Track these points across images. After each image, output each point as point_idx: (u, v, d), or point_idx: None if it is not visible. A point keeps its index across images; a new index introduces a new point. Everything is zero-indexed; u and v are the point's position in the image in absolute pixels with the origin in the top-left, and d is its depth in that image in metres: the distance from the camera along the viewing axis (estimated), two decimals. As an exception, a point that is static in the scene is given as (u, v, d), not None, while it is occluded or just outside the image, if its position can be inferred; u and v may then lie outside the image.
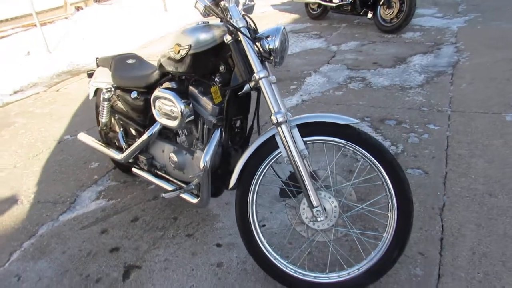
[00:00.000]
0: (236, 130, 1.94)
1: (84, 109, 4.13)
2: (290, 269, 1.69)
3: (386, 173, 1.57)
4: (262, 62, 1.69)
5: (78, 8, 8.89)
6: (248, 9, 1.86)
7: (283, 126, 1.58)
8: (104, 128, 2.57)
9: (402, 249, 1.57)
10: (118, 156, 2.39)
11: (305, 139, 1.62)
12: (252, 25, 1.73)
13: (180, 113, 1.85)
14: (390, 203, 1.57)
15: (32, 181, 2.87)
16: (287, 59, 5.01)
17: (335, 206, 1.62)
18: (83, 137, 2.74)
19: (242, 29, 1.62)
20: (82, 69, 5.71)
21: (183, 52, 1.77)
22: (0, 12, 6.62)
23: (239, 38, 1.64)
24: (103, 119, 2.51)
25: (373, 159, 1.58)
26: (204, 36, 1.72)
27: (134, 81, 2.24)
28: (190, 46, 1.74)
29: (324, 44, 5.51)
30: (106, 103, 2.45)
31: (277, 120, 1.57)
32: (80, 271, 1.96)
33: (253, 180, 1.70)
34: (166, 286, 1.81)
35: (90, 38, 6.95)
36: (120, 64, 2.40)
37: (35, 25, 6.36)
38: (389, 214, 1.59)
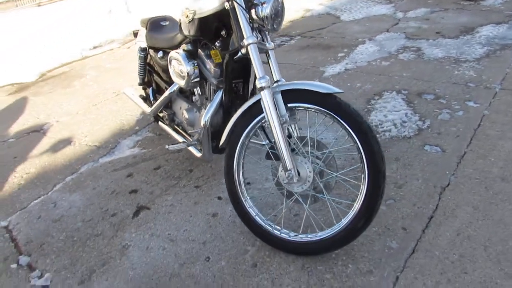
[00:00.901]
0: (237, 92, 2.06)
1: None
2: (268, 226, 1.82)
3: (360, 144, 1.59)
4: (256, 28, 1.77)
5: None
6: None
7: (266, 91, 1.66)
8: (142, 84, 2.84)
9: (368, 220, 1.61)
10: (147, 110, 2.65)
11: (289, 105, 1.69)
12: None
13: (186, 73, 2.02)
14: (363, 174, 1.60)
15: (87, 127, 3.28)
16: (345, 25, 4.88)
17: (310, 172, 1.69)
18: (127, 91, 3.05)
19: (237, -3, 1.69)
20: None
21: (190, 16, 1.91)
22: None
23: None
24: (140, 75, 2.78)
25: (349, 129, 1.61)
26: (207, 2, 1.83)
27: (161, 42, 2.43)
28: (195, 11, 1.87)
29: (391, 10, 5.22)
30: (141, 61, 2.69)
31: (261, 85, 1.66)
32: (102, 205, 2.29)
33: (239, 140, 1.82)
34: (165, 227, 2.06)
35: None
36: (154, 25, 2.60)
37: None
38: (360, 185, 1.62)
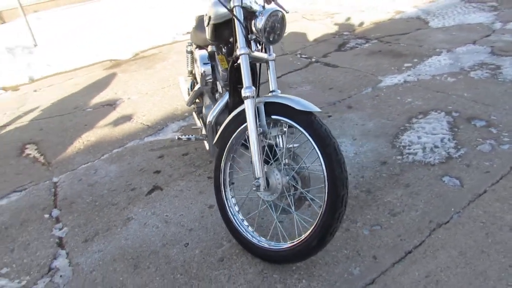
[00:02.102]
0: (240, 97, 2.16)
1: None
2: (242, 227, 1.93)
3: (324, 166, 1.61)
4: (255, 39, 1.86)
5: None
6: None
7: (249, 101, 1.75)
8: (190, 75, 3.09)
9: (322, 241, 1.62)
10: (186, 99, 2.90)
11: (273, 116, 1.77)
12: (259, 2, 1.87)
13: (200, 73, 2.19)
14: (324, 195, 1.62)
15: (149, 107, 3.68)
16: (429, 33, 4.55)
17: (279, 184, 1.75)
18: (180, 79, 3.34)
19: (236, 9, 1.80)
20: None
21: (206, 22, 2.07)
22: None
23: (241, 15, 1.83)
24: (188, 68, 3.03)
25: (316, 148, 1.63)
26: (219, 10, 1.96)
27: (199, 40, 2.63)
28: (210, 17, 2.02)
29: (490, 19, 4.70)
30: (188, 55, 2.93)
31: (245, 95, 1.75)
32: (128, 179, 2.62)
33: (228, 143, 1.94)
34: (166, 208, 2.29)
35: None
36: (199, 23, 2.81)
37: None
38: (321, 206, 1.64)
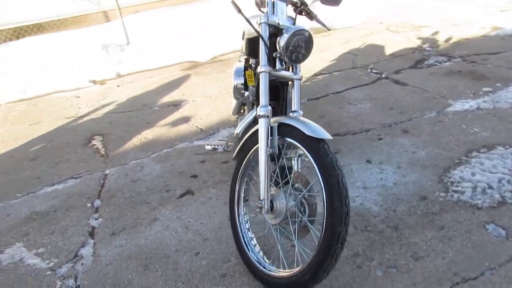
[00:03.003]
0: None
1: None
2: (249, 245, 1.90)
3: (325, 197, 1.52)
4: (278, 57, 1.82)
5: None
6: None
7: (262, 120, 1.73)
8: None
9: (314, 277, 1.53)
10: (232, 108, 2.94)
11: (285, 138, 1.72)
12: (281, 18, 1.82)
13: (233, 85, 2.21)
14: (321, 228, 1.53)
15: (207, 111, 3.80)
16: (524, 54, 4.01)
17: (283, 208, 1.69)
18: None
19: (262, 25, 1.78)
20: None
21: (242, 35, 2.08)
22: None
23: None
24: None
25: (320, 178, 1.55)
26: (250, 26, 1.96)
27: (244, 50, 2.65)
28: (244, 32, 2.03)
29: None
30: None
31: (259, 113, 1.73)
32: (166, 180, 2.74)
33: (245, 158, 1.93)
34: (191, 214, 2.35)
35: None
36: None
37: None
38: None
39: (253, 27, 1.77)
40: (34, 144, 3.61)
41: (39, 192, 2.81)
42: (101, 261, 2.08)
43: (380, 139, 2.86)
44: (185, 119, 3.67)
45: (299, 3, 2.00)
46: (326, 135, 1.59)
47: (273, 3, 1.85)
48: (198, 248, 2.07)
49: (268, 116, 1.72)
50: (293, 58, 1.78)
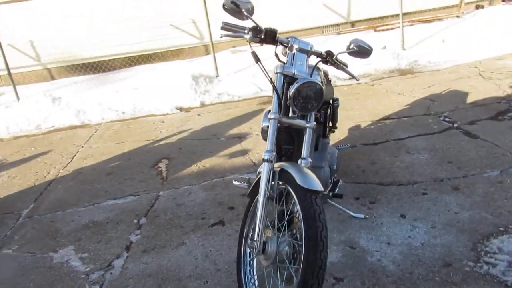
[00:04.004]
0: (286, 156, 2.18)
1: (364, 108, 4.72)
2: (248, 283, 1.96)
3: (303, 248, 1.55)
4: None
5: (478, 7, 8.63)
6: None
7: (265, 164, 1.83)
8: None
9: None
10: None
11: (280, 182, 1.79)
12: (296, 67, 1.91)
13: (261, 127, 2.33)
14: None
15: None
16: None
17: (273, 252, 1.74)
18: None
19: (277, 75, 1.90)
20: (415, 70, 6.07)
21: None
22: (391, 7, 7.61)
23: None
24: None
25: (302, 228, 1.58)
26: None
27: None
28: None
29: None
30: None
31: (263, 157, 1.83)
32: (205, 208, 2.93)
33: (256, 196, 2.01)
34: (214, 242, 2.49)
35: (472, 38, 6.84)
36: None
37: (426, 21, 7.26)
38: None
39: (267, 76, 1.89)
40: (114, 160, 4.12)
41: (102, 203, 3.21)
42: (126, 274, 2.32)
43: (424, 193, 2.70)
44: (243, 152, 3.87)
45: (325, 54, 2.07)
46: (317, 187, 1.62)
47: (293, 54, 1.96)
48: (209, 277, 2.19)
49: (271, 161, 1.81)
50: (301, 107, 1.84)
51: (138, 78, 6.95)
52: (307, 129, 1.94)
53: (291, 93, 1.82)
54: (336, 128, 3.20)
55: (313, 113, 1.95)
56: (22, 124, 5.84)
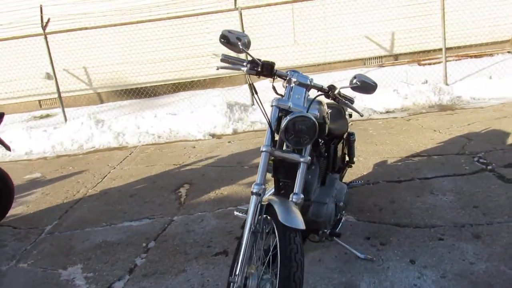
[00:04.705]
0: (284, 190, 2.13)
1: (401, 142, 4.56)
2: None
3: (278, 286, 1.49)
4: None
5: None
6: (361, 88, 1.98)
7: (253, 197, 1.81)
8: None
9: None
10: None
11: (266, 216, 1.76)
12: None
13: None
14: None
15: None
16: None
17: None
18: None
19: (273, 108, 1.90)
20: (457, 106, 5.81)
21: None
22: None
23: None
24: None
25: (278, 263, 1.53)
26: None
27: None
28: None
29: None
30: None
31: (252, 190, 1.81)
32: (213, 236, 2.91)
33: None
34: (213, 273, 2.46)
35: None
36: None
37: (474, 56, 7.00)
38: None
39: (262, 108, 1.89)
40: (140, 183, 4.25)
41: (118, 225, 3.30)
42: (122, 298, 2.33)
43: (441, 239, 2.52)
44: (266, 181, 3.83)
45: (327, 88, 2.04)
46: (297, 225, 1.57)
47: (292, 87, 1.95)
48: (200, 309, 2.16)
49: (259, 194, 1.78)
50: (293, 142, 1.81)
51: (177, 104, 7.21)
52: (301, 164, 1.89)
53: (282, 126, 1.80)
54: (353, 163, 3.11)
55: (308, 148, 1.91)
56: (66, 144, 6.21)
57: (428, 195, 3.13)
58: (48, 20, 6.60)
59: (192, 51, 7.80)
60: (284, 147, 1.95)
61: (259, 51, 7.93)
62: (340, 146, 2.68)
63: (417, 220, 2.78)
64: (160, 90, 8.23)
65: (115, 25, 6.83)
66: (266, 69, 1.95)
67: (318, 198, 2.27)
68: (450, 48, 7.61)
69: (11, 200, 3.54)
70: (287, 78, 1.97)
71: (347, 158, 3.05)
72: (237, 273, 1.72)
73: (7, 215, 3.60)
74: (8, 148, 3.50)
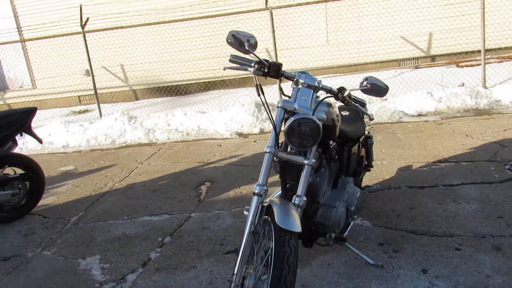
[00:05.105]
0: (290, 192, 2.11)
1: (413, 146, 4.42)
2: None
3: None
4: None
5: None
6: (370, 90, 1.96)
7: (255, 198, 1.82)
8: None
9: None
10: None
11: (265, 217, 1.77)
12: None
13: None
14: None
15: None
16: None
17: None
18: None
19: (278, 109, 1.90)
20: (494, 110, 5.55)
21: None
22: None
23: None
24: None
25: (271, 268, 1.54)
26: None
27: None
28: None
29: None
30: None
31: (254, 191, 1.83)
32: (226, 235, 2.94)
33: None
34: (223, 270, 2.48)
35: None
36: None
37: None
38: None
39: (267, 109, 1.88)
40: (164, 179, 4.35)
41: (139, 219, 3.40)
42: (133, 290, 2.41)
43: (458, 249, 2.42)
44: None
45: (336, 90, 2.01)
46: (293, 228, 1.56)
47: (299, 89, 1.93)
48: (205, 305, 2.19)
49: (261, 195, 1.79)
50: (295, 143, 1.80)
51: (207, 103, 7.31)
52: (305, 166, 1.88)
53: (285, 128, 1.80)
54: (372, 166, 3.05)
55: (313, 150, 1.89)
56: (100, 139, 6.45)
57: (450, 203, 3.01)
58: (87, 19, 6.88)
59: (223, 50, 7.87)
60: (289, 149, 1.93)
61: (289, 51, 7.93)
62: (355, 149, 2.63)
63: (435, 228, 2.68)
64: (192, 88, 8.38)
65: (149, 24, 7.02)
66: (273, 70, 1.94)
67: (327, 201, 2.24)
68: (491, 50, 7.28)
69: (42, 191, 3.74)
70: (295, 79, 1.96)
71: (365, 162, 2.99)
72: (235, 272, 1.73)
73: (38, 204, 3.80)
74: (40, 140, 3.69)
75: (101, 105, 7.35)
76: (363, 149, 2.91)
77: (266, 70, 1.95)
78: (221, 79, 8.30)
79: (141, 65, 8.49)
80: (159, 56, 8.31)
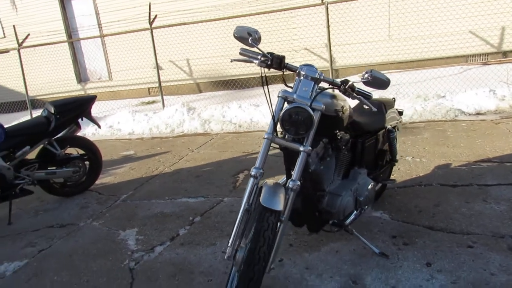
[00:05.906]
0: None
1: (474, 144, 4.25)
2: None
3: (244, 258, 1.67)
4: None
5: None
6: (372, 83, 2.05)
7: (251, 179, 1.99)
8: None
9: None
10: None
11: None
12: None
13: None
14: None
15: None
16: None
17: (240, 260, 1.87)
18: None
19: (278, 99, 2.04)
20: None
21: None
22: None
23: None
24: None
25: (250, 239, 1.70)
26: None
27: None
28: None
29: None
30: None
31: (250, 172, 2.00)
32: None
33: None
34: (236, 250, 2.69)
35: None
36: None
37: None
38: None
39: (267, 99, 2.03)
40: (208, 166, 4.66)
41: (177, 200, 3.72)
42: (158, 259, 2.71)
43: (470, 246, 2.38)
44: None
45: (339, 82, 2.10)
46: (274, 206, 1.71)
47: (300, 80, 2.06)
48: (215, 277, 2.41)
49: (256, 177, 1.96)
50: (290, 131, 1.93)
51: (262, 96, 7.52)
52: (301, 153, 2.00)
53: (280, 116, 1.93)
54: (396, 161, 3.06)
55: (310, 137, 2.00)
56: (161, 128, 6.98)
57: (479, 202, 2.91)
58: (155, 16, 7.44)
59: (279, 45, 8.02)
60: (287, 136, 2.07)
61: (346, 46, 7.86)
62: (371, 142, 2.66)
63: (453, 226, 2.64)
64: (250, 82, 8.65)
65: (209, 20, 7.40)
66: (275, 62, 2.09)
67: (334, 190, 2.34)
68: None
69: (99, 171, 4.22)
70: (297, 71, 2.08)
71: (389, 156, 3.01)
72: (229, 245, 1.92)
73: (97, 182, 4.29)
74: (98, 125, 4.17)
75: (166, 97, 7.92)
76: (386, 143, 2.93)
77: (269, 62, 2.10)
78: (276, 74, 8.45)
79: (205, 59, 8.95)
80: (221, 51, 8.68)
